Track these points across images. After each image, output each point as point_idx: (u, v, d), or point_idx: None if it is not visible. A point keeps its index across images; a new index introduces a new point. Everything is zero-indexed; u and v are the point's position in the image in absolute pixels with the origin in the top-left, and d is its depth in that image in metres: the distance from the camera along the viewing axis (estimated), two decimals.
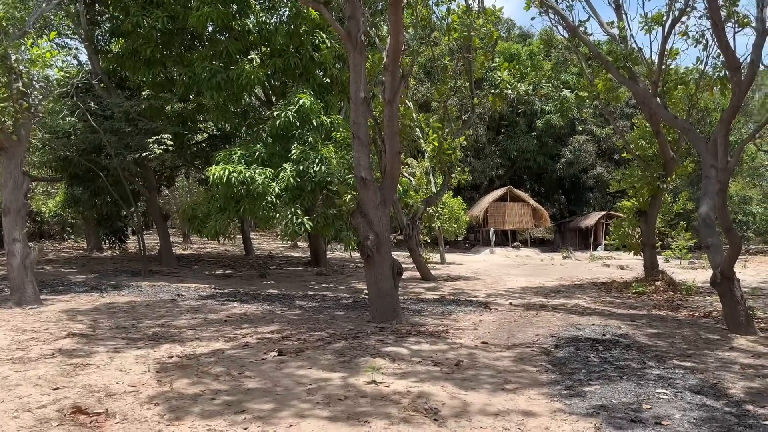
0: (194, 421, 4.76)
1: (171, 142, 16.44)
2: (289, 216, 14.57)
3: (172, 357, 6.94)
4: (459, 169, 19.23)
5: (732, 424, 4.69)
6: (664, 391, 5.59)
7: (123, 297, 12.40)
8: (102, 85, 19.44)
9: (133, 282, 15.14)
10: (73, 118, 17.23)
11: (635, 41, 14.96)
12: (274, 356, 6.94)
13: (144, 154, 16.48)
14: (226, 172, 14.39)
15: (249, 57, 16.88)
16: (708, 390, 5.66)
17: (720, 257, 9.11)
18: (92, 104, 17.62)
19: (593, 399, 5.35)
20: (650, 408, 5.06)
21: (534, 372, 6.42)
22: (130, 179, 19.32)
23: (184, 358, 6.86)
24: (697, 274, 18.83)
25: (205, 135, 24.52)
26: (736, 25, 10.44)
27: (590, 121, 36.45)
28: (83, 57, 33.53)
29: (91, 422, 4.75)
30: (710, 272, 9.41)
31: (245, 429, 4.62)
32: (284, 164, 15.12)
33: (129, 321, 9.42)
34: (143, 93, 19.78)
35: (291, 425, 4.70)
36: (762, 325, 9.66)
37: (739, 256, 10.39)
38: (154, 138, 16.22)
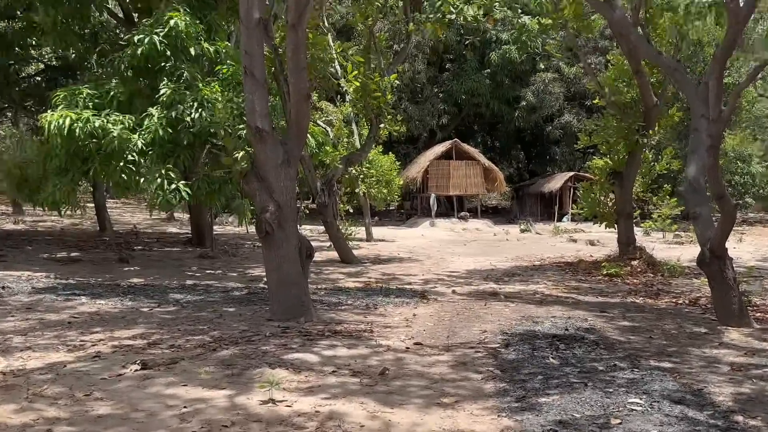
0: None
1: None
2: (159, 180, 14.14)
3: None
4: (390, 117, 19.28)
5: None
6: (637, 400, 5.86)
7: None
8: None
9: None
10: None
11: None
12: (136, 370, 6.78)
13: None
14: (68, 121, 13.74)
15: None
16: (690, 398, 5.99)
17: (710, 231, 9.60)
18: None
19: (550, 413, 5.54)
20: (620, 423, 5.30)
21: (478, 380, 6.59)
22: None
23: (9, 375, 6.58)
24: (683, 250, 19.87)
25: (41, 66, 23.31)
26: None
27: (556, 56, 37.33)
28: None
29: None
30: (699, 249, 9.92)
31: None
32: (150, 109, 14.61)
33: None
34: None
35: None
36: (758, 314, 10.33)
37: (734, 228, 11.02)
38: None
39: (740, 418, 5.49)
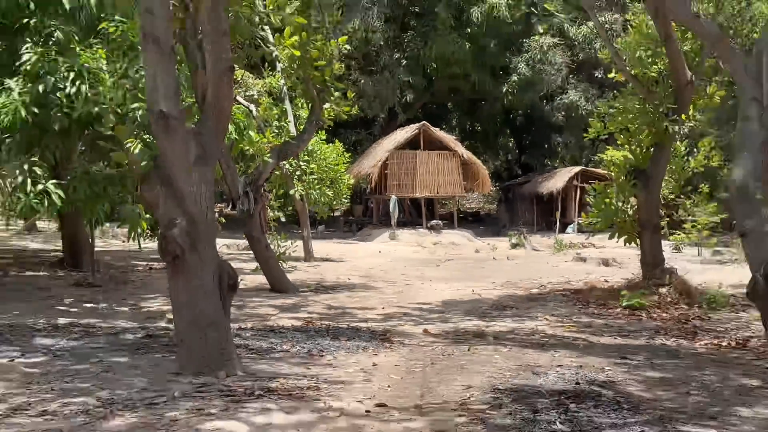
0: None
1: None
2: (20, 178, 13.95)
3: None
4: (337, 94, 19.24)
5: None
6: None
7: None
8: None
9: None
10: None
11: None
12: None
13: None
14: None
15: None
16: None
17: (764, 251, 9.76)
18: None
19: None
20: None
21: None
22: None
23: None
24: (727, 273, 20.13)
25: None
26: None
27: (558, 15, 37.46)
28: None
29: None
30: (748, 272, 10.07)
31: None
32: (8, 81, 14.42)
33: None
34: None
35: None
36: None
37: None
38: None
39: None
